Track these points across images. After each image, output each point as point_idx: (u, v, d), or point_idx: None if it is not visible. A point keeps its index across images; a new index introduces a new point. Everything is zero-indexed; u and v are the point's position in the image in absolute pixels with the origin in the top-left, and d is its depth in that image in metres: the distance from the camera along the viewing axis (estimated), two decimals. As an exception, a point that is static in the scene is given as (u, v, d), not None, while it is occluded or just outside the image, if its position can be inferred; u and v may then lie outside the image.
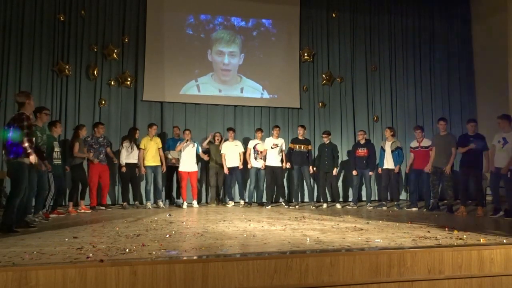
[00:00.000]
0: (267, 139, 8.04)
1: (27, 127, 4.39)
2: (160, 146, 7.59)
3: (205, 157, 7.85)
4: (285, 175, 8.52)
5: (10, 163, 4.40)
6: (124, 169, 7.35)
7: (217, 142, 7.91)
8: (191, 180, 7.61)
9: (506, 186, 5.99)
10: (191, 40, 8.74)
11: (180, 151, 7.60)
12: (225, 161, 7.83)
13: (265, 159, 7.93)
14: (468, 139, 6.51)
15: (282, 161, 7.94)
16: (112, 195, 7.92)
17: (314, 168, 8.00)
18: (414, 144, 7.59)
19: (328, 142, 8.03)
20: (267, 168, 7.90)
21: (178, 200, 7.87)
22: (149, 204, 7.43)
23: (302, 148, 7.91)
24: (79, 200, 6.85)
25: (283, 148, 8.00)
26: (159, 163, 7.52)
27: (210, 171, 7.93)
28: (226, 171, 7.82)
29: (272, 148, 7.90)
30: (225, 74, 8.84)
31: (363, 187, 8.21)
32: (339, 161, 8.27)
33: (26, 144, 4.36)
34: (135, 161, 7.40)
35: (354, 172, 7.88)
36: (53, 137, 6.02)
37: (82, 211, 6.64)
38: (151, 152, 7.45)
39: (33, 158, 4.40)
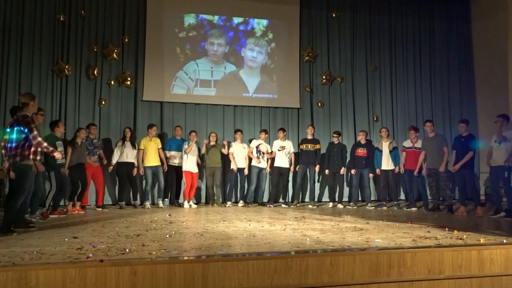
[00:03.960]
0: (275, 142, 8.11)
1: (36, 128, 4.43)
2: (160, 146, 7.61)
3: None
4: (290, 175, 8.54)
5: (17, 165, 4.37)
6: (110, 168, 7.35)
7: (212, 143, 7.88)
8: (193, 180, 7.64)
9: (504, 185, 6.01)
10: (191, 39, 8.74)
11: (185, 152, 7.62)
12: (234, 160, 7.86)
13: (268, 160, 7.96)
14: (461, 140, 6.57)
15: (290, 163, 7.98)
16: (112, 195, 7.93)
17: (326, 171, 8.02)
18: (407, 143, 7.60)
19: (337, 142, 8.06)
20: (274, 168, 7.96)
21: (180, 201, 7.87)
22: (147, 204, 7.43)
23: (310, 147, 7.94)
24: (75, 200, 6.81)
25: (291, 150, 8.02)
26: (159, 163, 7.54)
27: (206, 171, 7.93)
28: (235, 169, 7.85)
29: (279, 150, 7.93)
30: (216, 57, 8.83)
31: (361, 187, 8.17)
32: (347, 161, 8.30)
33: (45, 144, 4.48)
34: (130, 160, 7.37)
35: (353, 171, 7.90)
36: (55, 137, 6.02)
37: (76, 211, 6.60)
38: (150, 153, 7.47)
39: (57, 154, 4.78)
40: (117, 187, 7.75)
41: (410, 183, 7.48)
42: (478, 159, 8.41)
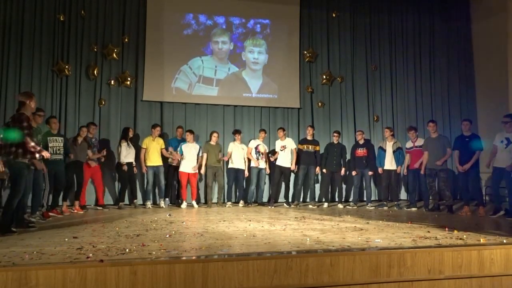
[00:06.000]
0: (276, 142, 8.13)
1: (27, 127, 4.39)
2: (163, 146, 7.62)
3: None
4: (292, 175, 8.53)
5: (11, 164, 4.39)
6: (125, 167, 7.31)
7: (213, 142, 7.88)
8: (192, 181, 7.62)
9: (508, 186, 5.99)
10: (191, 39, 8.74)
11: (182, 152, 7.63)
12: (232, 160, 7.86)
13: (269, 160, 7.97)
14: (465, 140, 6.54)
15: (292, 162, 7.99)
16: (113, 195, 7.92)
17: (324, 170, 8.01)
18: (409, 144, 7.61)
19: (337, 142, 8.06)
20: (276, 167, 7.96)
21: (179, 200, 7.87)
22: (148, 204, 7.44)
23: (310, 148, 7.94)
24: (73, 200, 6.78)
25: (293, 147, 8.02)
26: (161, 163, 7.55)
27: (208, 171, 7.91)
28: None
29: (281, 150, 7.93)
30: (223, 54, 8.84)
31: (363, 187, 8.20)
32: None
33: (32, 144, 4.39)
34: (129, 160, 7.38)
35: (354, 172, 7.90)
36: (51, 133, 6.01)
37: (75, 211, 6.58)
38: (152, 152, 7.49)
39: (46, 153, 4.62)
40: (115, 186, 7.75)
41: (413, 182, 7.47)
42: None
